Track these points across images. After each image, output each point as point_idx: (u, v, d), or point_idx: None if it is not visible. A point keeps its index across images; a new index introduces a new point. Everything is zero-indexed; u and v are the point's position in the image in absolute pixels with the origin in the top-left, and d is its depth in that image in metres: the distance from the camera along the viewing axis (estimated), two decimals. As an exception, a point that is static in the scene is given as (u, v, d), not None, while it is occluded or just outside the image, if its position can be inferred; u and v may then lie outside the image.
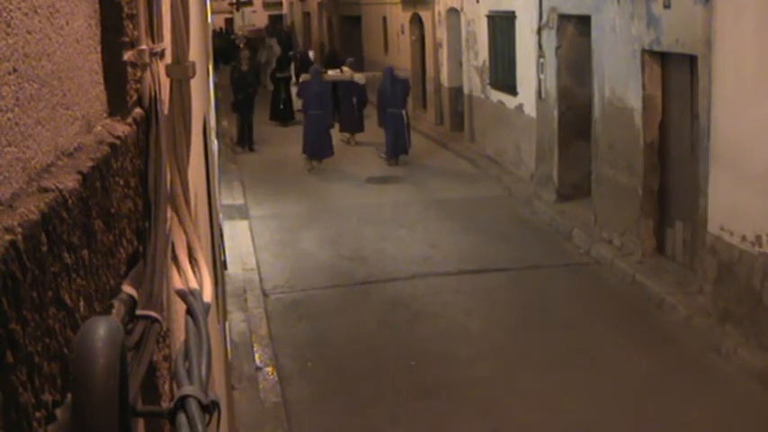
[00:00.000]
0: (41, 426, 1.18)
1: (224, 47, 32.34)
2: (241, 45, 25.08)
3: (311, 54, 25.74)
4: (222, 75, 20.61)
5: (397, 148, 15.83)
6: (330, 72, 17.92)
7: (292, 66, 23.21)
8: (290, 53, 25.75)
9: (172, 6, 2.33)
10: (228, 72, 20.28)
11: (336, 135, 17.07)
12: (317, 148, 15.63)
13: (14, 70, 1.21)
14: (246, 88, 18.51)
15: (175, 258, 2.15)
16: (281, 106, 21.33)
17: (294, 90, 20.41)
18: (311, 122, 15.65)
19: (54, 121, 1.41)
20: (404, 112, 15.84)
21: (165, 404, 1.91)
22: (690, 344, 7.82)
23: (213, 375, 2.52)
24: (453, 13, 17.54)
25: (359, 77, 17.33)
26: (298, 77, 20.24)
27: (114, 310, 1.57)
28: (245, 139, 18.42)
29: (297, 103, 19.69)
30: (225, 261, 8.69)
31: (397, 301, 9.18)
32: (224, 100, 19.24)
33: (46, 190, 1.27)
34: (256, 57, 27.40)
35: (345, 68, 17.97)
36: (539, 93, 12.73)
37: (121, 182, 1.75)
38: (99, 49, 1.79)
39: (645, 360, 7.50)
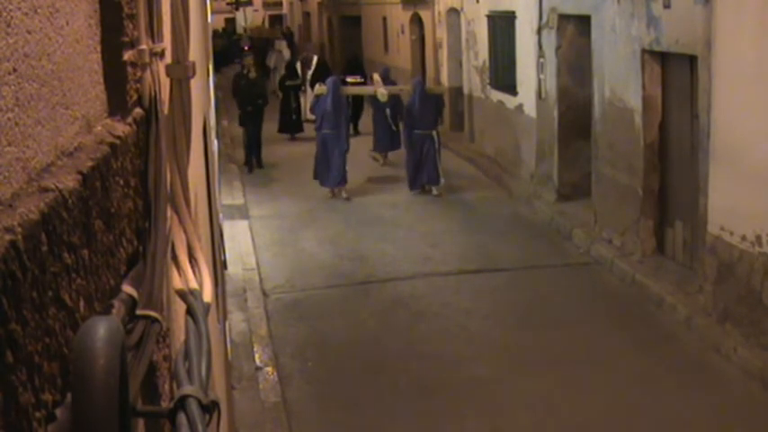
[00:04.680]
0: (41, 426, 1.18)
1: (225, 48, 31.77)
2: (245, 48, 24.19)
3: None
4: (222, 78, 19.42)
5: (421, 177, 13.54)
6: (350, 83, 16.10)
7: (299, 70, 20.47)
8: (296, 58, 23.18)
9: (172, 6, 2.33)
10: (231, 80, 17.77)
11: (365, 151, 15.82)
12: (326, 174, 13.52)
13: (14, 70, 1.21)
14: (256, 99, 16.19)
15: (175, 258, 2.15)
16: (294, 117, 19.11)
17: (301, 97, 19.42)
18: (322, 143, 13.54)
19: (54, 121, 1.41)
20: (434, 133, 13.56)
21: (165, 404, 1.92)
22: (690, 344, 7.82)
23: (213, 375, 2.52)
24: (453, 13, 17.54)
25: (381, 94, 14.47)
26: (312, 85, 17.14)
27: (114, 310, 1.57)
28: (252, 159, 16.25)
29: (306, 114, 18.58)
30: (225, 261, 8.68)
31: (397, 301, 9.17)
32: (223, 103, 18.77)
33: (46, 190, 1.27)
34: (265, 62, 25.31)
35: (376, 78, 15.73)
36: (539, 93, 12.73)
37: (121, 182, 1.75)
38: (99, 49, 1.79)
39: (645, 360, 7.50)
